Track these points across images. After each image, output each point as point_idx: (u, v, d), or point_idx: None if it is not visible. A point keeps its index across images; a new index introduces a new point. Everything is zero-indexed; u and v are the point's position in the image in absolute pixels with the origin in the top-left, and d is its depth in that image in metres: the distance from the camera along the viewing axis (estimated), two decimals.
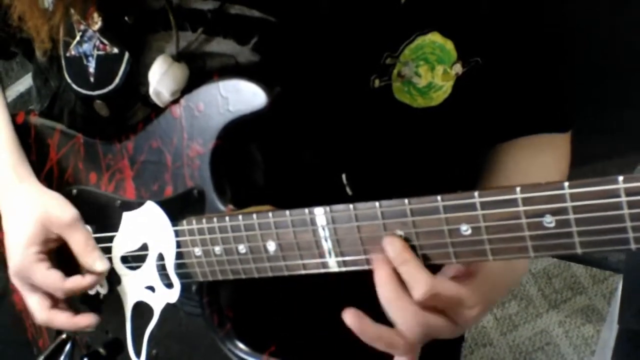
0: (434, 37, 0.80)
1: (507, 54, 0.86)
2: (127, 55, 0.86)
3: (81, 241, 0.89)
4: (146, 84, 0.84)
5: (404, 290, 0.68)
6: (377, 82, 0.81)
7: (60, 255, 0.92)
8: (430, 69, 0.82)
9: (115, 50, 0.86)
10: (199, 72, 0.83)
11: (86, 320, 0.92)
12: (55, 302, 0.92)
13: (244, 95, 0.77)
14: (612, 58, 1.78)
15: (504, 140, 0.93)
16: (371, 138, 0.84)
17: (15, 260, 0.90)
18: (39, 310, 0.91)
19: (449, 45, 0.81)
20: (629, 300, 1.49)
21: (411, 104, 0.84)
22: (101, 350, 0.95)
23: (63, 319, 0.92)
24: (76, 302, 0.96)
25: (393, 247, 0.66)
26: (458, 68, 0.83)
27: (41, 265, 0.89)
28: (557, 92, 0.93)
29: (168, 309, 0.88)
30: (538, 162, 0.92)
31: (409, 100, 0.83)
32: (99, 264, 0.89)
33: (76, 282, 0.89)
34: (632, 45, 1.75)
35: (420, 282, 0.66)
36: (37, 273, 0.89)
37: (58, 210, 0.90)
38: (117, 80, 0.87)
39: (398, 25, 0.80)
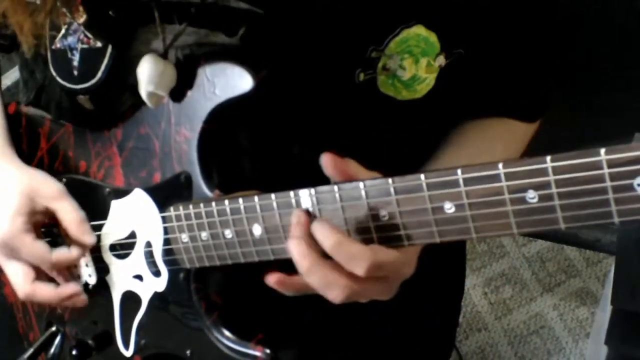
0: (419, 30, 0.80)
1: (491, 43, 0.85)
2: (110, 49, 0.85)
3: (69, 210, 0.89)
4: (134, 75, 0.83)
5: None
6: (362, 76, 0.81)
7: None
8: (414, 62, 0.81)
9: (99, 44, 0.86)
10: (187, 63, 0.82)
11: (70, 289, 0.90)
12: (38, 275, 0.90)
13: (231, 78, 0.77)
14: (604, 41, 1.78)
15: (470, 119, 0.92)
16: (354, 130, 0.84)
17: (1, 230, 0.88)
18: (22, 282, 0.90)
19: (433, 37, 0.81)
20: (621, 281, 1.50)
21: (395, 97, 0.83)
22: (90, 342, 0.95)
23: (46, 291, 0.90)
24: None
25: (322, 229, 0.65)
26: (441, 60, 0.82)
27: (28, 235, 0.87)
28: (532, 81, 0.92)
29: (156, 297, 0.88)
30: (490, 145, 0.91)
31: (393, 93, 0.83)
32: (88, 237, 0.89)
33: (64, 254, 0.88)
34: (625, 28, 1.75)
35: (359, 257, 0.65)
36: (24, 243, 0.87)
37: (43, 183, 0.90)
38: (99, 74, 0.86)
39: (384, 18, 0.79)
